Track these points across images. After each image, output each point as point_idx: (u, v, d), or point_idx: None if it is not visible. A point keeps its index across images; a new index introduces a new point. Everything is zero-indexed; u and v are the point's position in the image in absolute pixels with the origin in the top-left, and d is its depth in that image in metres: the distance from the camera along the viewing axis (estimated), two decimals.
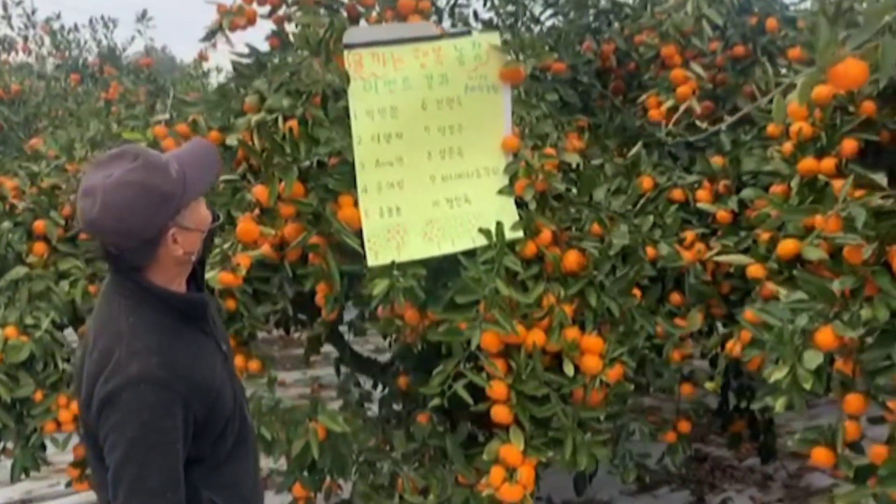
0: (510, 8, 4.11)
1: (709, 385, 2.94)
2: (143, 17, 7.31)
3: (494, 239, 2.69)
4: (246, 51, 3.43)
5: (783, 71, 3.41)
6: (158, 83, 6.63)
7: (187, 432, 1.91)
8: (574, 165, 3.08)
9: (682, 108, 3.26)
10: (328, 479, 3.32)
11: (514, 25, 3.93)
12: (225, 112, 3.31)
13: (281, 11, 3.48)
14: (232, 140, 3.00)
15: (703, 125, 2.89)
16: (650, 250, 3.06)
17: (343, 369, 4.30)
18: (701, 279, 3.19)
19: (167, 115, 3.26)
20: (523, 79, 2.89)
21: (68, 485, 3.68)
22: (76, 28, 7.93)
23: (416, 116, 2.76)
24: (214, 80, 7.29)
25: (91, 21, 7.92)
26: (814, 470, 4.99)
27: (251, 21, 3.49)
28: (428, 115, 2.77)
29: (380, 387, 4.17)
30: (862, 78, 1.66)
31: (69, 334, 3.62)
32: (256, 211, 2.78)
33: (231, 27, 3.50)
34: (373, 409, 3.90)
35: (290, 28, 3.45)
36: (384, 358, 4.50)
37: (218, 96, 3.23)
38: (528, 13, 3.99)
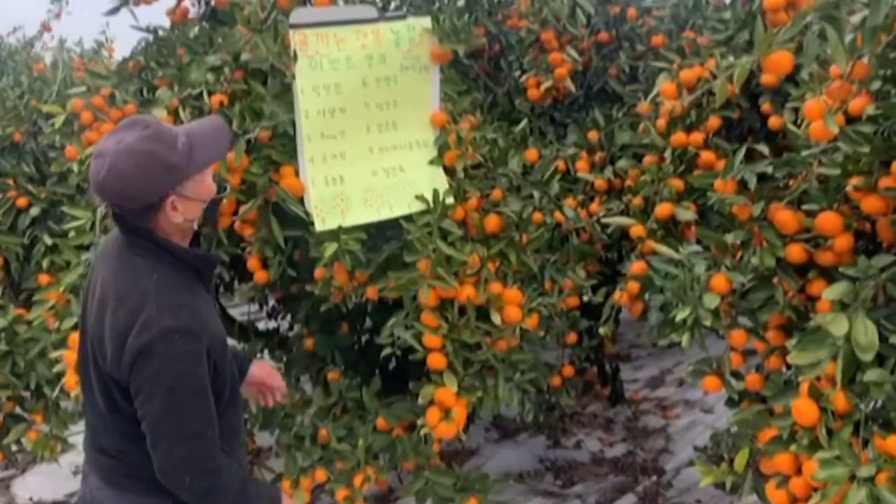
0: None
1: (602, 330, 3.35)
2: None
3: (433, 204, 2.97)
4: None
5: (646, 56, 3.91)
6: None
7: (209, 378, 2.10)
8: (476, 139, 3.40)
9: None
10: None
11: (399, 7, 4.19)
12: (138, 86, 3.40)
13: None
14: (158, 112, 3.11)
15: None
16: (538, 215, 3.44)
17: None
18: (586, 239, 3.62)
19: (83, 88, 3.29)
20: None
21: None
22: None
23: (358, 93, 2.98)
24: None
25: None
26: (648, 413, 5.61)
27: None
28: (368, 91, 3.00)
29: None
30: (789, 65, 2.09)
31: None
32: None
33: (135, 0, 3.57)
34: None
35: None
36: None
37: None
38: None
